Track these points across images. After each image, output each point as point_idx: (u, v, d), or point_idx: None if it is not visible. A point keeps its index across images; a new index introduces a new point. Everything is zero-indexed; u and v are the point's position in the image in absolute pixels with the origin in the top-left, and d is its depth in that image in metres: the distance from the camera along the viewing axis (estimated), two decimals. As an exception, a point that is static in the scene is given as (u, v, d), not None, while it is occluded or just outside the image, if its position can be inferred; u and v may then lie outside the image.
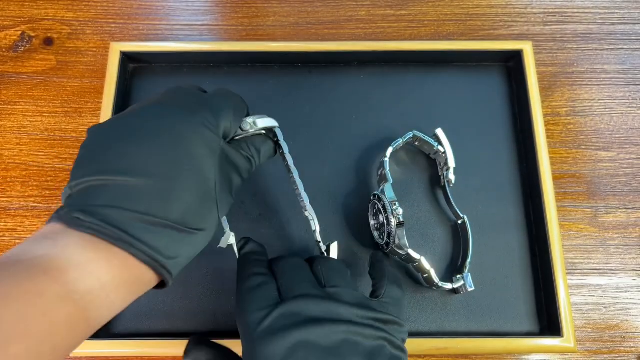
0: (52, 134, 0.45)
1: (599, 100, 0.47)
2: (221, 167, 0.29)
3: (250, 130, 0.33)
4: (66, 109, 0.46)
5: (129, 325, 0.38)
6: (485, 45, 0.44)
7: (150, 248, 0.23)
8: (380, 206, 0.36)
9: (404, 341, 0.30)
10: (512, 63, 0.46)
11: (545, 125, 0.43)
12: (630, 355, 0.39)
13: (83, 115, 0.45)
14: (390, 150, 0.39)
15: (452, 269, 0.40)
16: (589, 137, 0.45)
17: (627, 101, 0.46)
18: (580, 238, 0.42)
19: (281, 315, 0.27)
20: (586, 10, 0.50)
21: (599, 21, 0.49)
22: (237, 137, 0.33)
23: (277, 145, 0.36)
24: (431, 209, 0.41)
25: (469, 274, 0.38)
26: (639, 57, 0.48)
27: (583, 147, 0.45)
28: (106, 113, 0.41)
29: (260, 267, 0.31)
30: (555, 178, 0.43)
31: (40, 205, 0.43)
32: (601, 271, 0.41)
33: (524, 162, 0.43)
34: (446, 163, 0.40)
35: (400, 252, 0.36)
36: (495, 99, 0.45)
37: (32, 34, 0.48)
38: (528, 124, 0.42)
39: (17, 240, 0.42)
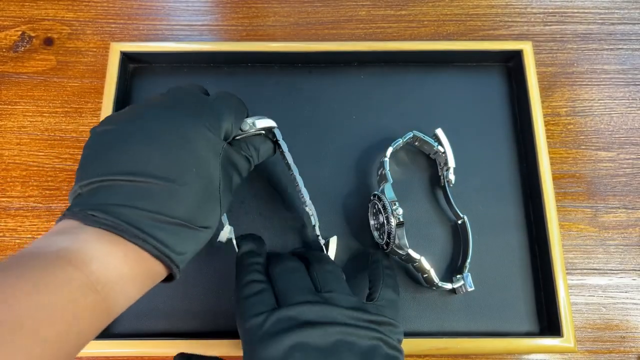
0: (52, 134, 0.45)
1: (599, 100, 0.47)
2: (223, 167, 0.30)
3: (250, 131, 0.34)
4: (66, 109, 0.46)
5: (129, 325, 0.38)
6: (485, 45, 0.45)
7: (162, 244, 0.25)
8: (380, 206, 0.36)
9: (399, 341, 0.30)
10: (512, 63, 0.46)
11: (545, 125, 0.43)
12: (630, 355, 0.39)
13: (83, 115, 0.45)
14: (390, 150, 0.39)
15: (452, 269, 0.40)
16: (589, 137, 0.45)
17: (627, 101, 0.46)
18: (580, 238, 0.42)
19: (278, 319, 0.28)
20: (586, 10, 0.50)
21: (599, 21, 0.49)
22: (237, 137, 0.34)
23: (276, 144, 0.36)
24: (431, 209, 0.41)
25: (469, 274, 0.38)
26: (639, 57, 0.48)
27: (583, 147, 0.45)
28: (106, 113, 0.41)
29: (257, 273, 0.32)
30: (555, 178, 0.43)
31: (41, 205, 0.43)
32: (601, 271, 0.41)
33: (524, 162, 0.43)
34: (446, 163, 0.40)
35: (400, 252, 0.36)
36: (495, 99, 0.45)
37: (32, 34, 0.48)
38: (528, 124, 0.42)
39: (17, 240, 0.42)
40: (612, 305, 0.41)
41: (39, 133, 0.45)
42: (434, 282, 0.36)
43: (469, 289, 0.37)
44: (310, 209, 0.37)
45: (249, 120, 0.35)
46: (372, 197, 0.38)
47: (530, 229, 0.41)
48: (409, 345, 0.36)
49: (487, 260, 0.40)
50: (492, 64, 0.46)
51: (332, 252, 0.38)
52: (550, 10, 0.50)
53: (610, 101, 0.46)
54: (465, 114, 0.44)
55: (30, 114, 0.45)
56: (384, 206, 0.36)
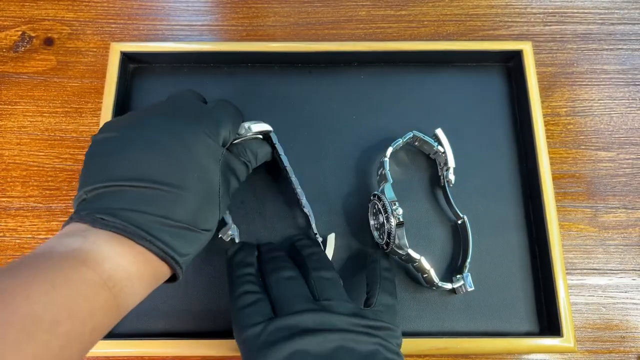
0: (53, 134, 0.45)
1: (598, 100, 0.47)
2: (222, 172, 0.32)
3: (247, 134, 0.35)
4: (66, 109, 0.46)
5: (129, 325, 0.38)
6: (485, 46, 0.45)
7: (168, 246, 0.26)
8: (380, 206, 0.36)
9: (398, 345, 0.31)
10: (512, 63, 0.46)
11: (545, 125, 0.43)
12: (630, 355, 0.39)
13: (83, 115, 0.45)
14: (390, 150, 0.39)
15: (452, 269, 0.40)
16: (589, 137, 0.45)
17: (627, 101, 0.46)
18: (580, 238, 0.42)
19: (277, 329, 0.28)
20: (586, 11, 0.50)
21: (599, 21, 0.49)
22: (234, 142, 0.35)
23: (273, 148, 0.37)
24: (431, 209, 0.41)
25: (469, 274, 0.38)
26: (639, 57, 0.48)
27: (583, 147, 0.45)
28: (106, 113, 0.41)
29: (250, 284, 0.32)
30: (555, 178, 0.43)
31: (41, 205, 0.43)
32: (601, 271, 0.41)
33: (524, 162, 0.43)
34: (446, 163, 0.40)
35: (400, 252, 0.36)
36: (495, 99, 0.45)
37: (33, 34, 0.48)
38: (528, 124, 0.42)
39: (17, 240, 0.42)
40: (612, 305, 0.41)
41: (39, 133, 0.45)
42: (434, 282, 0.36)
43: (469, 289, 0.37)
44: (307, 209, 0.38)
45: (245, 125, 0.36)
46: (372, 197, 0.38)
47: (530, 229, 0.41)
48: (409, 345, 0.36)
49: (487, 260, 0.40)
50: (492, 64, 0.46)
51: (329, 250, 0.38)
52: (550, 10, 0.50)
53: (610, 101, 0.46)
54: (465, 114, 0.44)
55: (31, 114, 0.45)
56: (384, 206, 0.36)
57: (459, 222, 0.40)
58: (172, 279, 0.29)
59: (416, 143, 0.41)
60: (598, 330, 0.40)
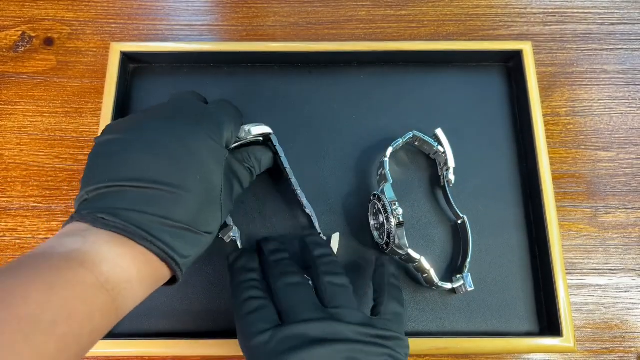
0: (53, 134, 0.45)
1: (598, 100, 0.47)
2: (226, 175, 0.31)
3: (248, 137, 0.35)
4: (66, 109, 0.46)
5: (129, 325, 0.38)
6: (485, 46, 0.45)
7: (169, 247, 0.26)
8: (380, 206, 0.36)
9: (406, 355, 0.30)
10: (511, 63, 0.46)
11: (545, 125, 0.43)
12: (629, 355, 0.39)
13: (83, 115, 0.45)
14: (390, 150, 0.39)
15: (452, 269, 0.40)
16: (589, 137, 0.45)
17: (627, 101, 0.46)
18: (579, 238, 0.42)
19: (285, 337, 0.28)
20: (586, 11, 0.50)
21: (599, 21, 0.49)
22: (234, 145, 0.35)
23: (275, 154, 0.38)
24: (431, 209, 0.41)
25: (469, 273, 0.38)
26: (639, 57, 0.48)
27: (583, 147, 0.45)
28: (106, 113, 0.41)
29: (254, 289, 0.32)
30: (555, 178, 0.43)
31: (41, 205, 0.43)
32: (601, 271, 0.41)
33: (524, 162, 0.43)
34: (446, 163, 0.40)
35: (400, 252, 0.36)
36: (495, 99, 0.45)
37: (33, 34, 0.48)
38: (528, 124, 0.42)
39: (17, 240, 0.42)
40: (612, 305, 0.41)
41: (39, 133, 0.45)
42: (434, 282, 0.36)
43: (469, 289, 0.37)
44: (309, 210, 0.38)
45: (245, 128, 0.36)
46: (372, 197, 0.38)
47: (530, 229, 0.41)
48: (409, 345, 0.36)
49: (487, 260, 0.40)
50: (492, 64, 0.46)
51: (334, 250, 0.38)
52: (550, 11, 0.50)
53: (610, 101, 0.46)
54: (465, 114, 0.44)
55: (31, 114, 0.45)
56: (384, 206, 0.36)
57: (459, 222, 0.40)
58: (172, 281, 0.29)
59: (416, 143, 0.41)
60: (598, 330, 0.40)
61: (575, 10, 0.50)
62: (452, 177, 0.40)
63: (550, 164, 0.41)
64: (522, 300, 0.39)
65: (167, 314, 0.38)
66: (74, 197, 0.29)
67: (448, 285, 0.37)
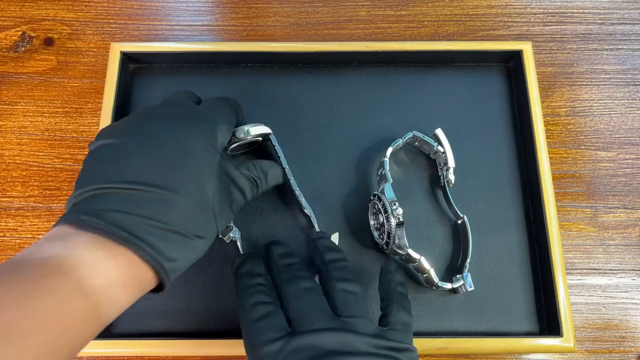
0: (53, 134, 0.45)
1: (598, 100, 0.47)
2: (220, 178, 0.31)
3: (247, 138, 0.35)
4: (66, 109, 0.46)
5: (129, 325, 0.38)
6: (485, 46, 0.45)
7: (153, 248, 0.25)
8: (380, 206, 0.36)
9: None
10: (511, 63, 0.46)
11: (545, 125, 0.43)
12: (629, 355, 0.39)
13: (83, 115, 0.45)
14: (390, 150, 0.39)
15: (452, 269, 0.40)
16: (589, 137, 0.45)
17: (627, 101, 0.46)
18: (579, 238, 0.42)
19: (297, 348, 0.27)
20: (586, 11, 0.50)
21: (599, 21, 0.49)
22: (232, 145, 0.35)
23: (279, 163, 0.38)
24: (431, 209, 0.41)
25: (469, 273, 0.38)
26: (639, 57, 0.48)
27: (583, 147, 0.45)
28: (106, 113, 0.41)
29: (261, 294, 0.30)
30: (554, 178, 0.43)
31: (41, 205, 0.43)
32: (601, 271, 0.41)
33: (524, 162, 0.43)
34: (446, 163, 0.40)
35: (400, 252, 0.36)
36: (495, 99, 0.45)
37: (33, 34, 0.48)
38: (528, 124, 0.42)
39: (17, 240, 0.42)
40: (612, 305, 0.41)
41: (39, 133, 0.45)
42: (434, 282, 0.36)
43: (469, 289, 0.37)
44: (308, 210, 0.38)
45: (244, 128, 0.36)
46: (372, 197, 0.38)
47: (530, 229, 0.41)
48: (408, 345, 0.36)
49: (487, 260, 0.40)
50: (492, 64, 0.46)
51: None
52: (550, 11, 0.50)
53: (610, 101, 0.46)
54: (465, 114, 0.44)
55: (31, 114, 0.45)
56: (384, 206, 0.36)
57: (459, 222, 0.40)
58: (161, 288, 0.27)
59: (416, 143, 0.41)
60: (598, 330, 0.40)
61: (575, 10, 0.50)
62: (452, 177, 0.40)
63: (550, 164, 0.41)
64: (522, 300, 0.39)
65: (167, 314, 0.38)
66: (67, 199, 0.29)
67: (448, 285, 0.37)
